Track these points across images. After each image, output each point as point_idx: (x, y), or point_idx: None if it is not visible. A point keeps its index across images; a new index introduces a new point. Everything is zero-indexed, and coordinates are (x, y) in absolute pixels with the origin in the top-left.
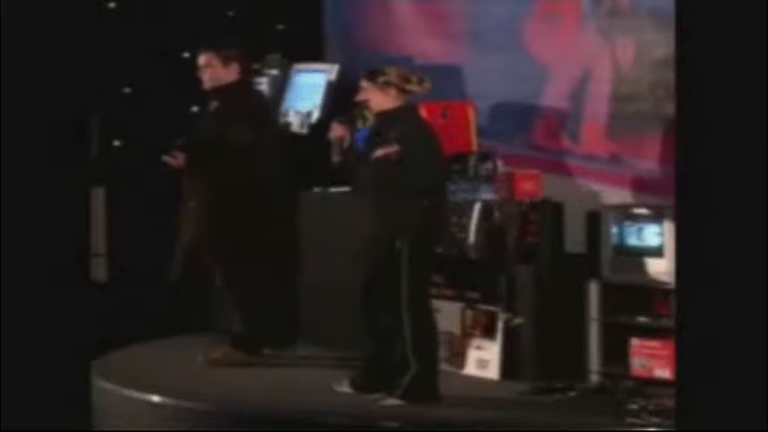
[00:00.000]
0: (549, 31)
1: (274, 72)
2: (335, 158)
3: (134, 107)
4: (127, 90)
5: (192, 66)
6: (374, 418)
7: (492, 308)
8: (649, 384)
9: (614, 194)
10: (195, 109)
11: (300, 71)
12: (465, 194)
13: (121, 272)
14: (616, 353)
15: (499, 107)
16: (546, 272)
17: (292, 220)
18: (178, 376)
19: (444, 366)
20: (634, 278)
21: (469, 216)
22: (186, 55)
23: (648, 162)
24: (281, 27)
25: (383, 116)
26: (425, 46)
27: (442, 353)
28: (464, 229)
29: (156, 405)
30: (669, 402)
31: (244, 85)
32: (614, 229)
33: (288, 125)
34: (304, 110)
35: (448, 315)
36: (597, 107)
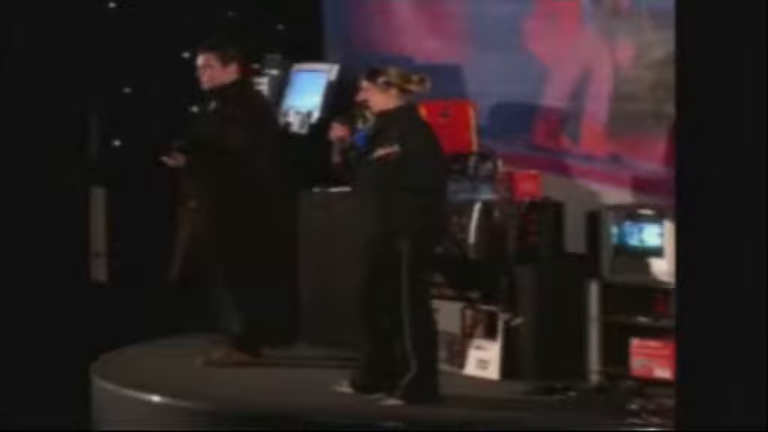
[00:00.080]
0: (549, 31)
1: (274, 72)
2: (335, 158)
3: (134, 107)
4: (127, 90)
5: (191, 66)
6: (374, 418)
7: (492, 308)
8: (649, 384)
9: (614, 194)
10: (195, 109)
11: (300, 71)
12: (465, 194)
13: (121, 272)
14: (616, 353)
15: (499, 107)
16: (546, 272)
17: (292, 220)
18: (178, 376)
19: (444, 366)
20: (634, 278)
21: (469, 216)
22: (186, 55)
23: (648, 162)
24: (281, 27)
25: (383, 116)
26: (425, 46)
27: (442, 353)
28: (464, 229)
29: (156, 405)
30: (669, 402)
31: (243, 85)
32: (614, 229)
33: (288, 125)
34: (304, 110)
35: (448, 315)
36: (597, 107)
